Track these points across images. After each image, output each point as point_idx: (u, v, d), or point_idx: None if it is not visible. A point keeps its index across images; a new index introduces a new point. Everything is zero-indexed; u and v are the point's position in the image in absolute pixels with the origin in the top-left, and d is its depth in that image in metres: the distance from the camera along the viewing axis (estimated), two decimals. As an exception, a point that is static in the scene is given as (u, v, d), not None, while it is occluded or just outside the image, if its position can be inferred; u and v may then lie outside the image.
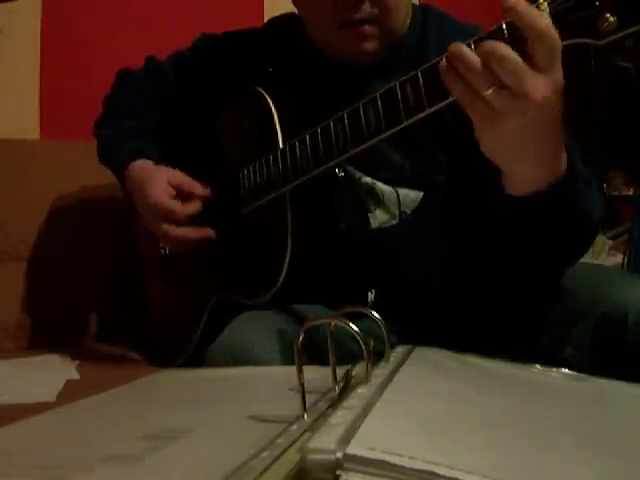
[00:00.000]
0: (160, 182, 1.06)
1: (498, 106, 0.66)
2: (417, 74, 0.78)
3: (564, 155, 0.76)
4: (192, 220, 1.06)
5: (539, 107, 0.65)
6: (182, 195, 1.07)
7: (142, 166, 1.09)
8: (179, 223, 1.05)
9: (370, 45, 0.96)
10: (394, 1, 0.94)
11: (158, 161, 1.10)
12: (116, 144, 1.14)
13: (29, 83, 1.74)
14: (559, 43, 0.64)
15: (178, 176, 1.08)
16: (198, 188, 1.08)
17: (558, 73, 0.66)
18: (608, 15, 0.64)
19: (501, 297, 0.95)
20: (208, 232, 1.06)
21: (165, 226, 1.04)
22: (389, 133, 0.82)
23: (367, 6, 0.92)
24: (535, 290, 0.94)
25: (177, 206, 1.04)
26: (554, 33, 0.64)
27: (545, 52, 0.64)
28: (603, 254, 2.00)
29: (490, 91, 0.65)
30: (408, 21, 1.02)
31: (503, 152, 0.73)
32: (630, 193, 2.61)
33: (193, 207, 1.06)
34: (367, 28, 0.94)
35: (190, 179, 1.08)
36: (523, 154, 0.72)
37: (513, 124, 0.67)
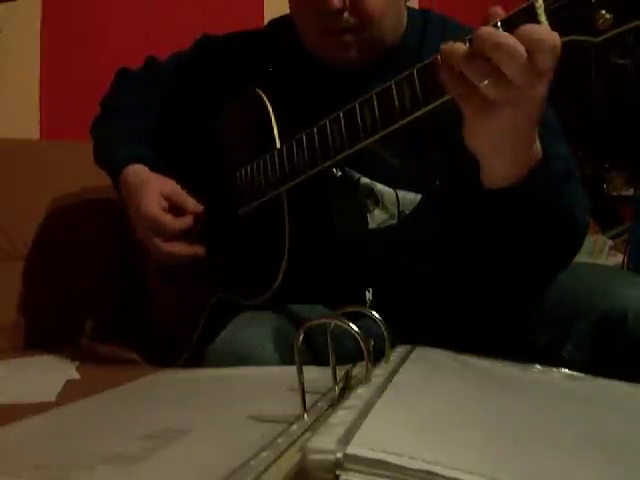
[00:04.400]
0: (153, 192, 1.06)
1: (493, 97, 0.66)
2: (413, 72, 0.79)
3: (538, 148, 0.76)
4: (184, 234, 1.06)
5: (532, 100, 0.67)
6: (174, 207, 1.07)
7: (136, 172, 1.09)
8: (170, 237, 1.05)
9: (351, 53, 0.97)
10: (377, 10, 0.94)
11: (154, 166, 1.10)
12: (112, 147, 1.14)
13: (29, 83, 1.74)
14: (559, 42, 0.64)
15: (171, 188, 1.08)
16: (190, 203, 1.08)
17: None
18: (604, 12, 0.65)
19: (498, 297, 0.95)
20: (198, 249, 1.06)
21: (156, 240, 1.05)
22: (385, 132, 0.82)
23: (347, 16, 0.93)
24: (532, 290, 0.94)
25: (168, 220, 1.05)
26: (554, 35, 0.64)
27: (547, 54, 0.63)
28: (603, 254, 2.00)
29: (486, 82, 0.65)
30: (402, 28, 1.03)
31: (487, 145, 0.74)
32: (630, 193, 2.60)
33: (184, 222, 1.06)
34: (347, 37, 0.95)
35: (182, 192, 1.08)
36: (503, 146, 0.73)
37: (503, 116, 0.68)
